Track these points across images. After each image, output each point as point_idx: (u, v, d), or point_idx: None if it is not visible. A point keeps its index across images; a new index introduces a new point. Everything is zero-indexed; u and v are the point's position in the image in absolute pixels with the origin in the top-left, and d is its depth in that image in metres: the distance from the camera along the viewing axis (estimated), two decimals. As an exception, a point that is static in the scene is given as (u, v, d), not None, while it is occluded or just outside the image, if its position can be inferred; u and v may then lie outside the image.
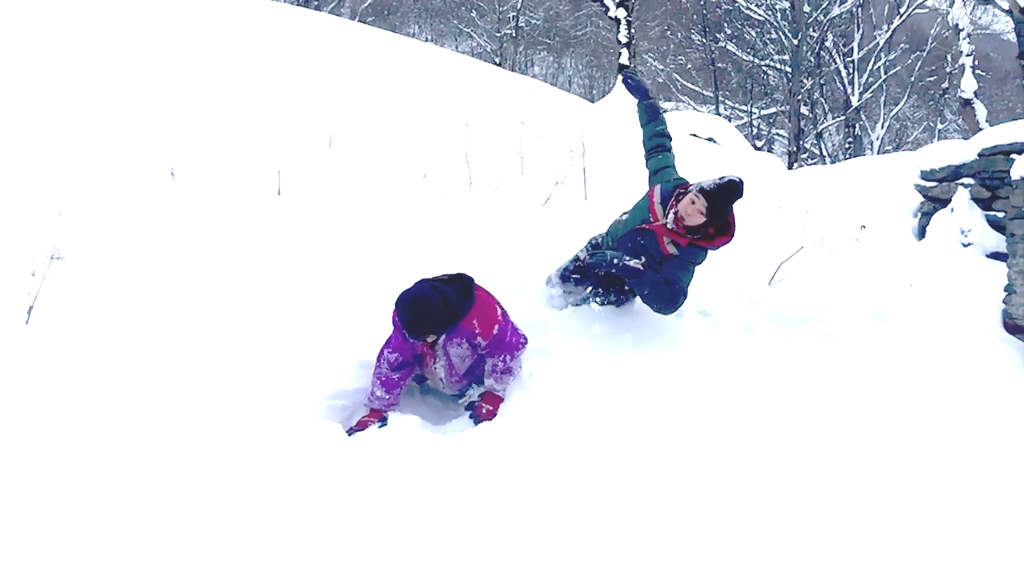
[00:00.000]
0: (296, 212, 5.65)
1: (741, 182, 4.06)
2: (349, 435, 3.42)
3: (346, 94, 9.28)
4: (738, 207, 4.20)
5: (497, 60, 32.29)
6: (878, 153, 26.03)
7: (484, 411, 3.73)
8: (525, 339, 3.85)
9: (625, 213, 4.50)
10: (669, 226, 4.12)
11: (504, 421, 3.49)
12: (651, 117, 4.58)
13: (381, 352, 3.77)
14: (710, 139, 16.45)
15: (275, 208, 5.67)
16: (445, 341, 3.68)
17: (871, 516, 3.26)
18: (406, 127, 8.54)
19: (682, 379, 4.09)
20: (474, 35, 35.42)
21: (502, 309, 3.76)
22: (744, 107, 30.01)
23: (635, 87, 4.66)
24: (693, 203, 4.00)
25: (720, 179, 4.04)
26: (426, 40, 32.52)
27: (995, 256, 7.71)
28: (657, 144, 4.49)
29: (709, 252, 4.26)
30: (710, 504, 3.14)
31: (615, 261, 4.06)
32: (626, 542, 2.84)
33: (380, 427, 3.57)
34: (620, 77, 4.74)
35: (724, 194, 4.01)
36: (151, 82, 7.64)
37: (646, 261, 4.15)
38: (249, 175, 6.09)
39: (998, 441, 4.17)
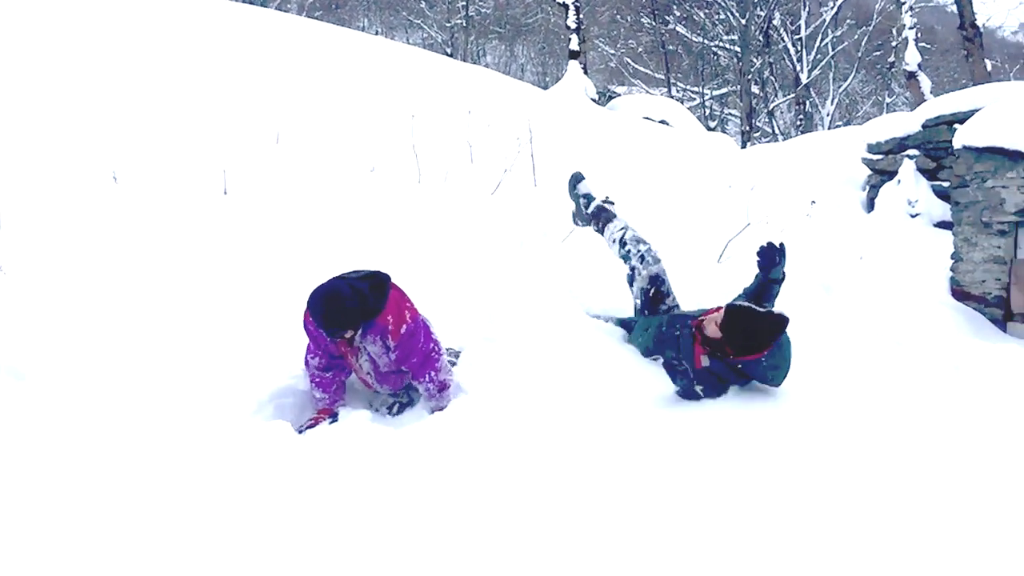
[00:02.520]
0: (243, 211, 5.58)
1: (776, 319, 3.82)
2: (300, 433, 3.39)
3: (293, 91, 9.17)
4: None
5: (449, 51, 32.10)
6: (829, 128, 26.35)
7: None
8: (439, 346, 3.69)
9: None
10: (693, 330, 3.99)
11: (455, 411, 3.48)
12: (767, 296, 4.23)
13: (305, 360, 3.71)
14: (663, 121, 16.58)
15: (222, 208, 5.60)
16: (362, 338, 3.57)
17: (826, 489, 3.29)
18: (354, 121, 8.48)
19: (632, 362, 4.12)
20: (424, 26, 35.20)
21: (414, 312, 3.62)
22: (696, 88, 30.26)
23: (778, 263, 4.23)
24: (716, 313, 3.85)
25: (758, 305, 3.92)
26: (376, 33, 32.32)
27: (942, 225, 7.85)
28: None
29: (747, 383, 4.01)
30: (663, 485, 3.15)
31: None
32: (581, 528, 2.84)
33: (331, 423, 3.54)
34: (779, 248, 4.25)
35: (748, 317, 3.80)
36: (90, 82, 7.49)
37: (672, 355, 3.98)
38: (194, 175, 6.01)
39: (947, 406, 4.23)
